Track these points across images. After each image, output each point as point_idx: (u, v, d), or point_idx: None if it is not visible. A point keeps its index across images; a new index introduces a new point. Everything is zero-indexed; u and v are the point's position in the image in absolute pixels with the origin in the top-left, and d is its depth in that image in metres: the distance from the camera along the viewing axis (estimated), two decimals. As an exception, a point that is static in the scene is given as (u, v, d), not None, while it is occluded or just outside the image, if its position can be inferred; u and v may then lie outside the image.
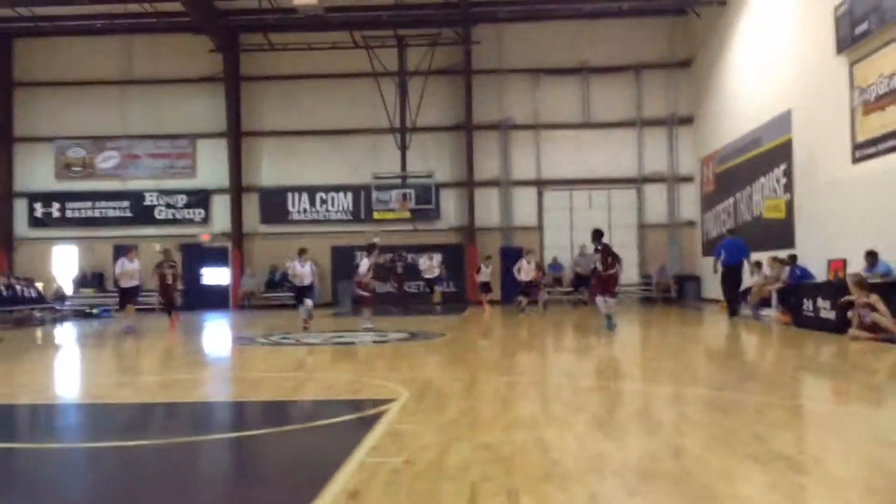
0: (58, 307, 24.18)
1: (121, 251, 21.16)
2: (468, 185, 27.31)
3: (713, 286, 20.72)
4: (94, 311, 24.06)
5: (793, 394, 8.00)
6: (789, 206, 18.65)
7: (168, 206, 28.49)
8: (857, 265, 14.12)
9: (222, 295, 27.91)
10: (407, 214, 27.00)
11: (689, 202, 27.28)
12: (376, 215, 27.26)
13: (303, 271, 16.24)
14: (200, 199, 28.51)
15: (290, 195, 28.25)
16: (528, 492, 4.37)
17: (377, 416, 6.50)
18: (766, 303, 17.21)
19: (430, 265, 23.84)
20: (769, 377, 9.09)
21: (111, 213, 28.56)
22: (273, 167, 28.39)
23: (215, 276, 28.29)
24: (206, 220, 28.46)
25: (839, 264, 15.24)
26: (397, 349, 12.68)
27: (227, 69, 27.63)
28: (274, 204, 28.27)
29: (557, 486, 4.48)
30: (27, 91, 28.73)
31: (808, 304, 14.53)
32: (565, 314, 21.10)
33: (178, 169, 28.60)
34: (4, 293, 21.47)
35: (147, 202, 28.50)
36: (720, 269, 17.92)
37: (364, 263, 16.74)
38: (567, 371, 10.12)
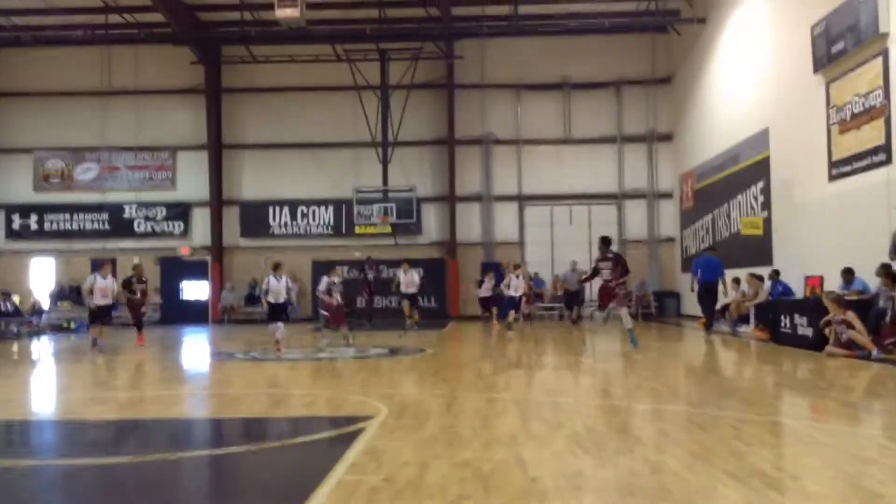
0: (34, 321, 23.90)
1: (96, 265, 19.89)
2: (450, 199, 27.35)
3: (692, 302, 20.85)
4: (72, 325, 23.81)
5: (770, 410, 8.06)
6: (767, 223, 18.83)
7: (147, 218, 28.29)
8: (833, 282, 14.26)
9: (201, 309, 27.72)
10: (388, 229, 26.97)
11: (669, 218, 27.47)
12: (358, 230, 27.22)
13: (279, 287, 15.12)
14: (180, 211, 28.34)
15: (271, 209, 28.15)
16: (507, 510, 4.35)
17: (356, 434, 6.47)
18: (744, 319, 17.35)
19: (411, 280, 21.04)
20: (747, 394, 9.15)
21: (89, 226, 28.31)
22: (254, 180, 28.29)
23: (195, 290, 28.11)
24: (185, 234, 28.29)
25: (816, 281, 15.40)
26: (377, 365, 12.64)
27: (208, 81, 27.56)
28: (255, 217, 28.15)
29: (536, 503, 4.48)
30: (5, 101, 28.48)
31: (785, 321, 14.64)
32: (547, 329, 21.12)
33: (157, 181, 28.43)
34: (-20, 306, 21.21)
35: (126, 215, 28.28)
36: (696, 286, 18.08)
37: (323, 282, 16.23)
38: (547, 388, 10.13)
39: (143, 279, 18.01)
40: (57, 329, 23.71)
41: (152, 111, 28.29)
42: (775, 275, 16.87)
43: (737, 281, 18.44)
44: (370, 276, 26.10)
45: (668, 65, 27.35)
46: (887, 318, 11.90)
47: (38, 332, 22.86)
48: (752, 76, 19.88)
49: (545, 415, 7.57)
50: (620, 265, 13.77)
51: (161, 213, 28.30)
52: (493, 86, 27.81)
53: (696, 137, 24.75)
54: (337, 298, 15.98)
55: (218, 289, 27.50)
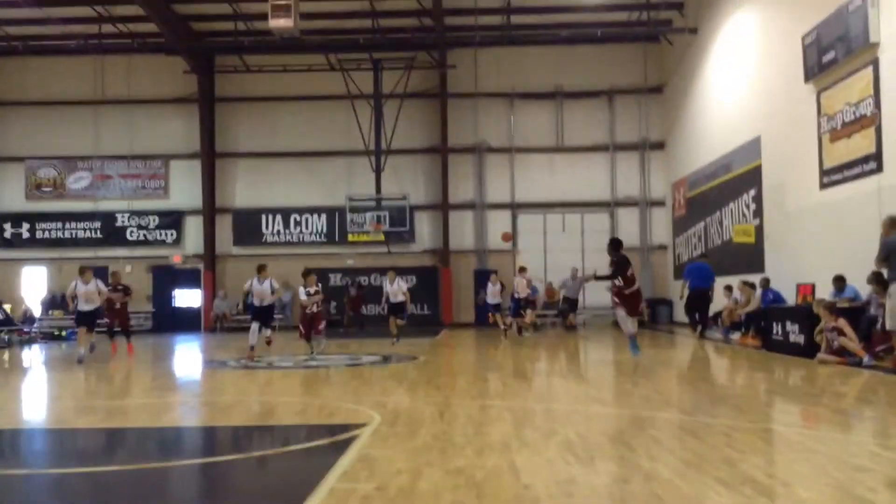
0: (26, 329, 23.80)
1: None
2: (443, 207, 27.39)
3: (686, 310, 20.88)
4: (63, 333, 23.72)
5: (762, 418, 8.07)
6: (759, 230, 18.90)
7: (140, 227, 28.25)
8: (825, 289, 14.32)
9: (194, 317, 27.67)
10: (381, 237, 27.01)
11: (661, 226, 27.55)
12: (350, 237, 27.25)
13: (262, 289, 14.86)
14: (173, 220, 28.31)
15: (263, 217, 28.14)
16: (499, 518, 4.35)
17: (349, 441, 6.46)
18: (737, 326, 17.39)
19: (398, 289, 18.69)
20: (739, 401, 9.16)
21: (82, 235, 28.26)
22: (247, 189, 28.29)
23: (187, 298, 28.05)
24: (178, 242, 28.26)
25: (808, 288, 15.45)
26: (370, 373, 12.62)
27: (201, 90, 27.57)
28: (247, 225, 28.13)
29: (528, 511, 4.48)
30: (-2, 110, 28.48)
31: (777, 328, 14.68)
32: (543, 337, 21.12)
33: (150, 190, 28.41)
34: (-29, 315, 21.12)
35: (119, 223, 28.24)
36: (686, 292, 18.12)
37: (301, 292, 15.60)
38: (540, 394, 10.13)
39: (119, 287, 17.47)
40: (48, 337, 23.60)
41: (145, 120, 28.29)
42: (766, 282, 16.95)
43: (729, 288, 18.50)
44: (353, 292, 26.23)
45: (661, 74, 27.48)
46: (878, 326, 11.95)
47: (29, 341, 22.76)
48: (743, 85, 19.99)
49: (538, 422, 7.57)
50: (620, 268, 12.78)
51: (154, 221, 28.26)
52: (485, 94, 27.90)
53: (688, 146, 24.85)
54: (312, 309, 15.35)
55: (210, 297, 27.44)
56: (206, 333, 26.21)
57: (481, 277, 26.84)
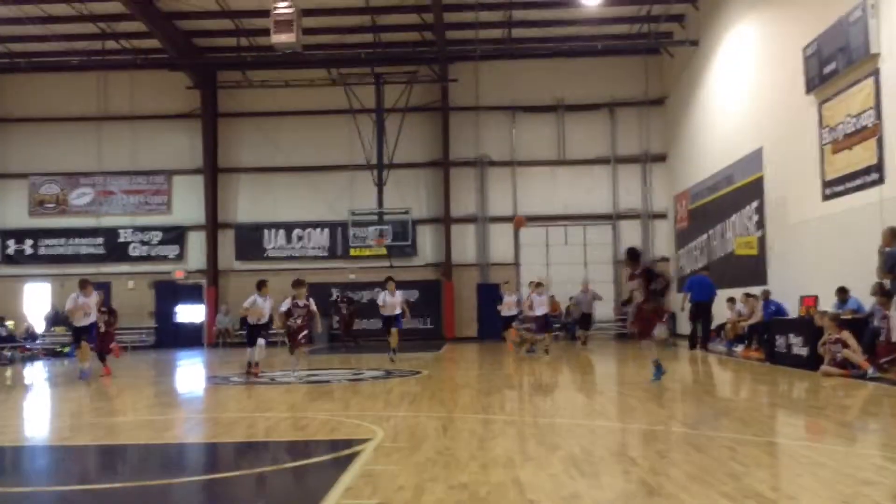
0: (28, 346, 23.79)
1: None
2: (445, 221, 27.40)
3: (688, 322, 20.83)
4: (66, 349, 23.68)
5: (767, 431, 8.03)
6: (761, 242, 18.88)
7: (142, 242, 28.26)
8: (828, 301, 14.28)
9: (196, 332, 27.64)
10: (383, 251, 27.02)
11: (664, 239, 27.53)
12: (353, 252, 27.27)
13: (263, 307, 14.38)
14: (175, 235, 28.33)
15: (266, 232, 28.16)
16: (503, 534, 4.33)
17: (351, 457, 6.44)
18: (740, 339, 17.35)
19: (392, 301, 17.46)
20: (743, 414, 9.13)
21: (84, 251, 28.26)
22: (249, 204, 28.32)
23: (189, 313, 28.03)
24: (180, 257, 28.25)
25: (811, 301, 15.40)
26: (372, 388, 12.60)
27: (204, 106, 27.66)
28: (250, 241, 28.15)
29: (532, 527, 4.45)
30: (1, 127, 28.52)
31: (780, 341, 14.64)
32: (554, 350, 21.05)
33: (153, 205, 28.44)
34: (-26, 331, 21.10)
35: (121, 239, 28.26)
36: (688, 305, 18.08)
37: (286, 302, 14.65)
38: (543, 409, 10.10)
39: (102, 309, 16.38)
40: (51, 354, 23.58)
41: (148, 136, 28.36)
42: (766, 294, 16.93)
43: (732, 301, 18.48)
44: (343, 309, 26.18)
45: (662, 86, 27.53)
46: (882, 337, 11.91)
47: (31, 357, 22.74)
48: (744, 97, 20.01)
49: (542, 436, 7.55)
50: (654, 282, 11.25)
51: (156, 237, 28.28)
52: (487, 108, 27.96)
53: (689, 158, 24.86)
54: (296, 322, 14.49)
55: (213, 312, 27.42)
56: (209, 349, 26.17)
57: (484, 291, 26.90)
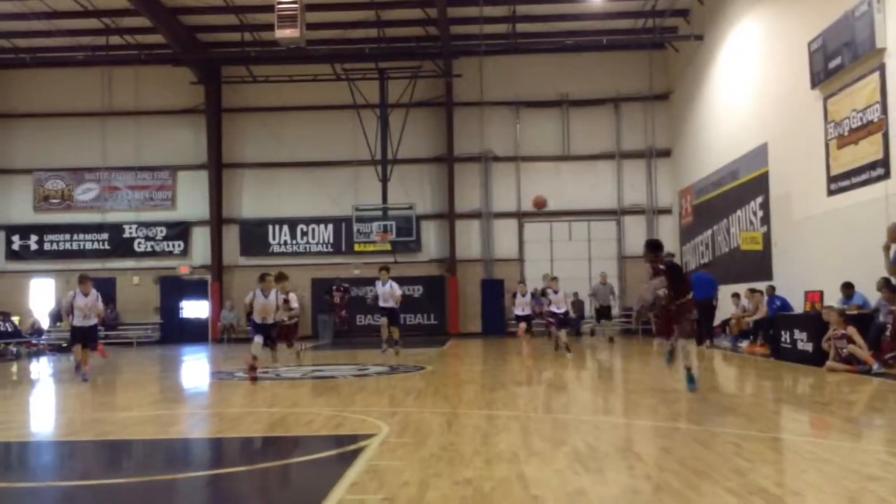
0: (34, 341, 23.85)
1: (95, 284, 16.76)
2: (449, 216, 27.39)
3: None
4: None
5: (772, 427, 8.03)
6: (766, 238, 18.84)
7: (147, 238, 28.31)
8: (833, 297, 14.26)
9: (201, 328, 27.68)
10: (388, 246, 27.01)
11: (668, 234, 27.46)
12: (357, 247, 27.27)
13: (266, 303, 13.27)
14: (180, 231, 28.37)
15: (270, 227, 28.19)
16: (508, 529, 4.33)
17: (357, 452, 6.45)
18: (745, 334, 17.33)
19: (389, 292, 16.91)
20: (748, 410, 9.12)
21: (89, 246, 28.32)
22: (254, 199, 28.35)
23: (194, 309, 28.08)
24: (185, 253, 28.30)
25: (816, 296, 15.37)
26: (377, 383, 12.61)
27: (208, 101, 27.67)
28: (254, 236, 28.18)
29: (537, 523, 4.46)
30: (6, 122, 28.58)
31: (785, 336, 14.62)
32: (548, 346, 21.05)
33: (157, 201, 28.48)
34: (-21, 327, 21.17)
35: (126, 234, 28.31)
36: None
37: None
38: (548, 404, 10.10)
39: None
40: (56, 349, 23.64)
41: (152, 131, 28.38)
42: (771, 290, 16.90)
43: (736, 296, 18.45)
44: (336, 298, 26.17)
45: (666, 81, 27.47)
46: (888, 333, 11.89)
47: (37, 353, 22.80)
48: (749, 92, 19.96)
49: (546, 432, 7.55)
50: (674, 278, 10.24)
51: (161, 232, 28.32)
52: (491, 103, 27.93)
53: (694, 153, 24.81)
54: (284, 320, 14.25)
55: (218, 308, 27.47)
56: (214, 344, 26.22)
57: (488, 286, 26.93)
